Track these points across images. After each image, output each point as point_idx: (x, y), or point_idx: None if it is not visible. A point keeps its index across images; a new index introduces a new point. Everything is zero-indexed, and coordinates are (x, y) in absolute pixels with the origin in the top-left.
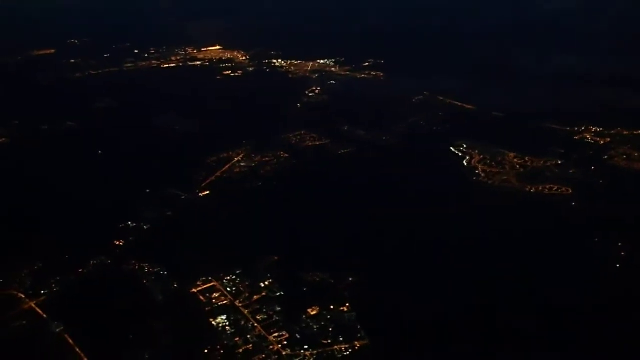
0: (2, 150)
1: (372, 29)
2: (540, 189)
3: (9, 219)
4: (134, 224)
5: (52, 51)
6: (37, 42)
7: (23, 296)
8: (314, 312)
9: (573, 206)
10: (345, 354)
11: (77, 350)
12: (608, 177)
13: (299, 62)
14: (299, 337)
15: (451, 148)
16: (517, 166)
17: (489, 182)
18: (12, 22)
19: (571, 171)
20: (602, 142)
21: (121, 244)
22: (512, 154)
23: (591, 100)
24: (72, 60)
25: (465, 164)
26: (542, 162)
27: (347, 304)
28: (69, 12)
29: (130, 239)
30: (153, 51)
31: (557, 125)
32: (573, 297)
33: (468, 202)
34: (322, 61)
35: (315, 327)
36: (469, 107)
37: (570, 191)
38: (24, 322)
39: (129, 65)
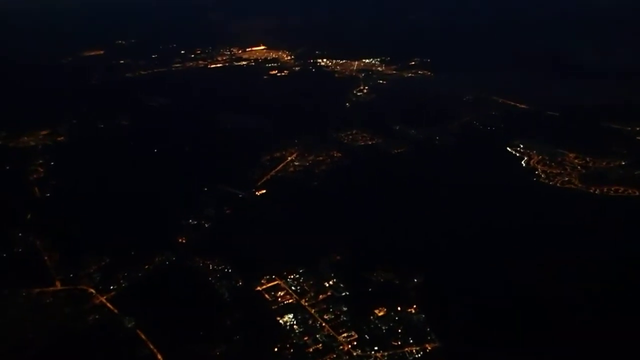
0: (62, 149)
1: (414, 27)
2: (605, 190)
3: (75, 217)
4: (195, 222)
5: (101, 52)
6: (86, 43)
7: (93, 291)
8: (381, 313)
9: None
10: (416, 356)
11: (150, 345)
12: None
13: (344, 61)
14: (368, 337)
15: (507, 148)
16: (579, 167)
17: (550, 183)
18: (58, 22)
19: (636, 172)
20: None
21: (184, 241)
22: (572, 154)
23: None
24: (122, 61)
25: (524, 165)
26: (604, 163)
27: (415, 306)
28: (113, 12)
29: (192, 236)
30: (199, 51)
31: (616, 124)
32: None
33: (530, 204)
34: (367, 60)
35: (384, 328)
36: (522, 106)
37: (637, 193)
38: (97, 317)
39: (177, 65)
